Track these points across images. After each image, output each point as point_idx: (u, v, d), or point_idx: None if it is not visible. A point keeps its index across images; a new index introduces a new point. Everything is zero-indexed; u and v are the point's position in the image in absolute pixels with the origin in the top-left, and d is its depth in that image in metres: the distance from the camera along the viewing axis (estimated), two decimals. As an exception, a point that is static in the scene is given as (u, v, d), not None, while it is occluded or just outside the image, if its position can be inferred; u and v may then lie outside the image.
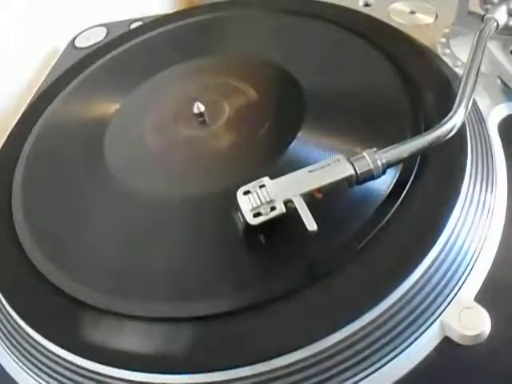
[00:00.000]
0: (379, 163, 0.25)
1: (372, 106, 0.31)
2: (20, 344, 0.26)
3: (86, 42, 0.49)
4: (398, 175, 0.27)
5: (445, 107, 0.28)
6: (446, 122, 0.26)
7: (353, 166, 0.25)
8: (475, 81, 0.29)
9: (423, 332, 0.23)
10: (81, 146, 0.34)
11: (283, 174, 0.25)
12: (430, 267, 0.24)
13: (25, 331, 0.26)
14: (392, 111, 0.31)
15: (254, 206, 0.24)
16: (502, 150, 0.30)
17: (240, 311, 0.23)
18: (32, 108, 0.40)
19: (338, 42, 0.36)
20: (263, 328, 0.23)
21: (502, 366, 0.23)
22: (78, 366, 0.24)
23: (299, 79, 0.33)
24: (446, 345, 0.23)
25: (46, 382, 0.25)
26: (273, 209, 0.24)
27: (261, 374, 0.22)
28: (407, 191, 0.26)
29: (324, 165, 0.25)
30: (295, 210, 0.24)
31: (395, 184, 0.27)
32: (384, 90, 0.32)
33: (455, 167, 0.27)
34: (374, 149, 0.26)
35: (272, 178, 0.25)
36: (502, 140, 0.31)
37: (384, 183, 0.26)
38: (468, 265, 0.25)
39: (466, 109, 0.27)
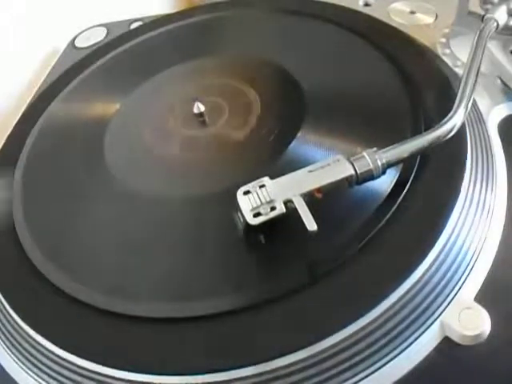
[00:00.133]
0: (379, 163, 0.25)
1: (372, 106, 0.31)
2: (20, 344, 0.26)
3: (86, 41, 0.49)
4: (397, 175, 0.27)
5: (445, 107, 0.28)
6: (445, 122, 0.26)
7: (353, 165, 0.25)
8: (475, 81, 0.29)
9: (423, 332, 0.23)
10: (81, 145, 0.34)
11: (283, 174, 0.25)
12: (430, 267, 0.24)
13: (25, 331, 0.26)
14: (392, 111, 0.31)
15: (254, 205, 0.24)
16: (502, 150, 0.30)
17: (240, 311, 0.23)
18: (32, 108, 0.40)
19: (338, 41, 0.36)
20: (263, 328, 0.23)
21: (502, 365, 0.23)
22: (77, 366, 0.24)
23: (299, 79, 0.33)
24: (446, 345, 0.23)
25: (46, 382, 0.25)
26: (273, 209, 0.24)
27: (261, 374, 0.22)
28: (407, 191, 0.26)
29: (324, 165, 0.25)
30: (295, 209, 0.24)
31: (395, 184, 0.27)
32: (384, 90, 0.32)
33: (455, 167, 0.27)
34: (374, 149, 0.26)
35: (272, 177, 0.25)
36: (502, 140, 0.31)
37: (384, 183, 0.26)
38: (468, 265, 0.25)
39: (466, 109, 0.27)
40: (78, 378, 0.24)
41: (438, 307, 0.24)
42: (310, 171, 0.25)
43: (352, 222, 0.25)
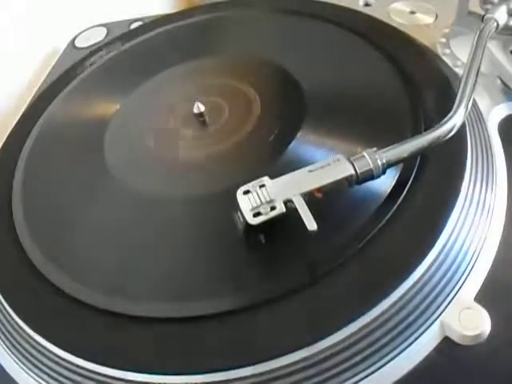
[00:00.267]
0: (379, 163, 0.25)
1: (372, 106, 0.31)
2: (20, 344, 0.26)
3: (86, 41, 0.49)
4: (398, 175, 0.27)
5: (445, 107, 0.28)
6: (445, 122, 0.26)
7: (353, 165, 0.25)
8: (475, 81, 0.29)
9: (423, 332, 0.23)
10: (81, 145, 0.34)
11: (283, 174, 0.25)
12: (429, 267, 0.24)
13: (25, 331, 0.26)
14: (392, 111, 0.31)
15: (254, 205, 0.24)
16: (502, 150, 0.30)
17: (240, 311, 0.23)
18: (32, 108, 0.40)
19: (338, 41, 0.36)
20: (263, 328, 0.23)
21: (502, 365, 0.23)
22: (77, 366, 0.24)
23: (299, 79, 0.33)
24: (446, 345, 0.23)
25: (46, 382, 0.25)
26: (273, 208, 0.24)
27: (261, 374, 0.22)
28: (407, 191, 0.26)
29: (324, 164, 0.25)
30: (295, 209, 0.24)
31: (395, 184, 0.27)
32: (384, 90, 0.32)
33: (455, 167, 0.27)
34: (374, 148, 0.26)
35: (272, 177, 0.25)
36: (502, 140, 0.31)
37: (384, 183, 0.26)
38: (468, 265, 0.25)
39: (466, 109, 0.27)
40: (78, 378, 0.24)
41: (438, 307, 0.24)
42: (310, 171, 0.25)
43: (352, 222, 0.25)
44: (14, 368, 0.27)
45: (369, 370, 0.23)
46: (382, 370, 0.23)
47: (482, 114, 0.31)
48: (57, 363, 0.25)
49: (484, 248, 0.26)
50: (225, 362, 0.22)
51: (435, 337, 0.23)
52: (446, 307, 0.24)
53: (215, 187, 0.29)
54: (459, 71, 0.34)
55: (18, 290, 0.27)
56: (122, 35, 0.45)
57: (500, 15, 0.33)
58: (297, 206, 0.24)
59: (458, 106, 0.27)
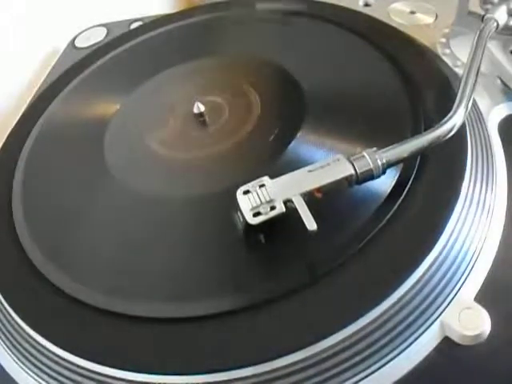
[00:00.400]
0: (379, 163, 0.25)
1: (372, 106, 0.31)
2: (20, 344, 0.26)
3: (86, 41, 0.49)
4: (398, 175, 0.27)
5: (445, 107, 0.28)
6: (445, 122, 0.26)
7: (353, 165, 0.25)
8: (475, 81, 0.29)
9: (423, 332, 0.23)
10: (81, 146, 0.34)
11: (283, 174, 0.25)
12: (430, 267, 0.24)
13: (25, 331, 0.26)
14: (392, 111, 0.31)
15: (254, 205, 0.24)
16: (502, 150, 0.30)
17: (240, 311, 0.23)
18: (32, 108, 0.40)
19: (338, 41, 0.36)
20: (263, 328, 0.23)
21: (502, 365, 0.23)
22: (77, 366, 0.24)
23: (299, 79, 0.33)
24: (446, 345, 0.23)
25: (46, 381, 0.25)
26: (272, 208, 0.24)
27: (261, 374, 0.22)
28: (407, 191, 0.26)
29: (324, 164, 0.25)
30: (295, 209, 0.24)
31: (395, 184, 0.27)
32: (384, 90, 0.32)
33: (455, 167, 0.27)
34: (374, 148, 0.26)
35: (272, 177, 0.25)
36: (502, 140, 0.31)
37: (384, 183, 0.26)
38: (468, 265, 0.25)
39: (466, 109, 0.27)
40: (78, 378, 0.24)
41: (438, 307, 0.24)
42: (310, 171, 0.25)
43: (352, 222, 0.25)
44: (13, 368, 0.27)
45: (369, 370, 0.23)
46: (382, 370, 0.23)
47: (481, 114, 0.31)
48: (57, 363, 0.25)
49: (484, 248, 0.26)
50: (225, 362, 0.22)
51: (435, 337, 0.23)
52: (446, 307, 0.24)
53: (215, 187, 0.29)
54: (459, 71, 0.34)
55: (18, 290, 0.27)
56: (122, 35, 0.45)
57: (500, 15, 0.33)
58: (297, 206, 0.24)
59: (458, 106, 0.27)
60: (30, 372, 0.26)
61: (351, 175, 0.25)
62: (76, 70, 0.41)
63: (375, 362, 0.23)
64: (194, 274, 0.26)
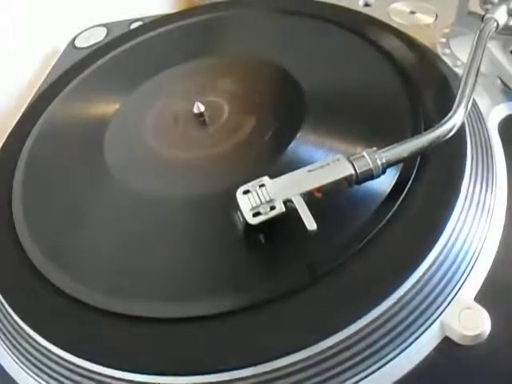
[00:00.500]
0: (379, 163, 0.25)
1: (372, 106, 0.31)
2: (20, 344, 0.26)
3: (86, 41, 0.49)
4: (397, 175, 0.27)
5: (445, 107, 0.28)
6: (445, 122, 0.26)
7: (352, 165, 0.25)
8: (475, 81, 0.29)
9: (423, 332, 0.23)
10: (81, 145, 0.34)
11: (283, 174, 0.25)
12: (430, 267, 0.24)
13: (25, 331, 0.26)
14: (392, 111, 0.31)
15: (254, 205, 0.24)
16: (502, 150, 0.30)
17: (240, 311, 0.23)
18: (32, 108, 0.40)
19: (338, 41, 0.36)
20: (263, 328, 0.23)
21: (502, 365, 0.23)
22: (77, 366, 0.24)
23: (299, 79, 0.33)
24: (446, 345, 0.23)
25: (46, 381, 0.25)
26: (272, 208, 0.24)
27: (261, 374, 0.22)
28: (407, 191, 0.26)
29: (324, 164, 0.25)
30: (295, 209, 0.24)
31: (395, 184, 0.27)
32: (384, 89, 0.32)
33: (455, 167, 0.27)
34: (374, 148, 0.26)
35: (272, 177, 0.25)
36: (502, 140, 0.31)
37: (384, 183, 0.26)
38: (468, 265, 0.25)
39: (466, 109, 0.27)
40: (78, 378, 0.24)
41: (438, 307, 0.24)
42: (310, 171, 0.25)
43: (352, 222, 0.25)
44: (13, 368, 0.27)
45: (369, 370, 0.23)
46: (382, 370, 0.23)
47: (481, 114, 0.31)
48: (57, 363, 0.25)
49: (484, 248, 0.26)
50: (225, 362, 0.22)
51: (435, 337, 0.23)
52: (446, 307, 0.24)
53: (215, 187, 0.29)
54: (459, 71, 0.34)
55: (18, 290, 0.27)
56: (122, 35, 0.45)
57: (500, 15, 0.33)
58: (296, 206, 0.24)
59: (458, 106, 0.27)
60: (30, 372, 0.26)
61: (351, 175, 0.25)
62: (76, 70, 0.41)
63: (375, 362, 0.23)
64: (194, 274, 0.26)
